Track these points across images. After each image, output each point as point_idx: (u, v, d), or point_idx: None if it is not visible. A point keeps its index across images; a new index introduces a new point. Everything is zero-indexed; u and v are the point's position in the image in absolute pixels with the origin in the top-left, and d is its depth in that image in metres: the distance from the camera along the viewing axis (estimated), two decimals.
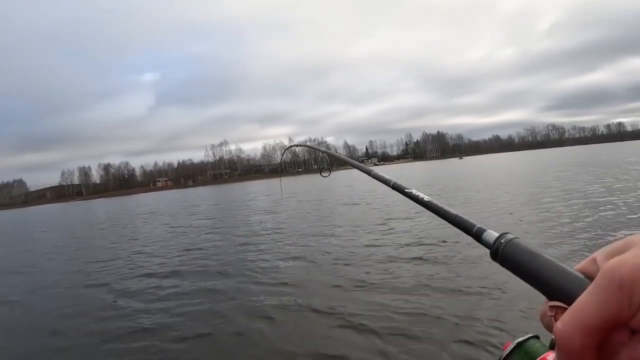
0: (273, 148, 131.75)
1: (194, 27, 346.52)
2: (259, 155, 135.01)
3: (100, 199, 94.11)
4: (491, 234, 0.39)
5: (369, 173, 0.84)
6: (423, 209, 0.53)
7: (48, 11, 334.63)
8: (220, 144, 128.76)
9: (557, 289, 0.28)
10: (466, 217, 0.47)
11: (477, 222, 0.44)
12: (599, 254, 0.26)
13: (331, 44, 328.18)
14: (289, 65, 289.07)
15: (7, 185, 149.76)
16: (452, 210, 0.50)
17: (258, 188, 41.11)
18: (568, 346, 0.22)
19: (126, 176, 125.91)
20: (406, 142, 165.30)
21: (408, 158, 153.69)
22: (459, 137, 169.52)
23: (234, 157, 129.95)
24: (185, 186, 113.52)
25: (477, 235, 0.42)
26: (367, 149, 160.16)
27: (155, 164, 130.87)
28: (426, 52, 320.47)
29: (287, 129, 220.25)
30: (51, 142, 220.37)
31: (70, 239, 13.43)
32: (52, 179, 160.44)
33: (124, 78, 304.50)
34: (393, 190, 0.68)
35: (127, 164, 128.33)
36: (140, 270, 6.61)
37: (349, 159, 0.98)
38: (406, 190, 0.64)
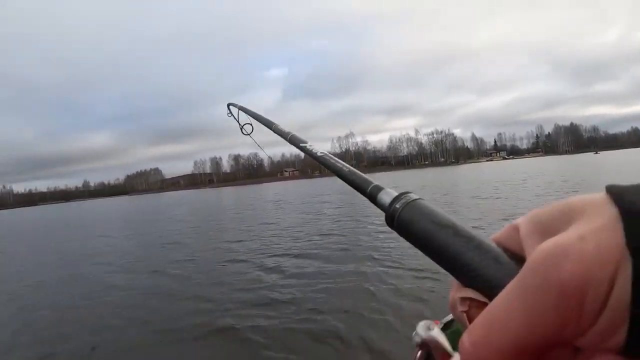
0: (399, 140, 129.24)
1: (320, 22, 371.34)
2: (385, 147, 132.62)
3: (229, 187, 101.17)
4: (388, 194, 0.33)
5: (269, 126, 0.85)
6: None
7: (183, 15, 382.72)
8: (347, 136, 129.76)
9: (469, 270, 0.21)
10: (361, 174, 0.41)
11: (372, 180, 0.37)
12: (523, 222, 0.20)
13: (455, 32, 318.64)
14: (413, 56, 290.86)
15: (145, 173, 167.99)
16: (346, 167, 0.45)
17: (385, 180, 40.98)
18: None
19: (255, 166, 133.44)
20: (537, 135, 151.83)
21: (539, 152, 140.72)
22: (594, 129, 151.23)
23: (360, 149, 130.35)
24: (312, 176, 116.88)
25: (371, 195, 0.35)
26: (495, 141, 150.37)
27: (283, 154, 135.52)
28: (555, 36, 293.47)
29: (413, 120, 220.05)
30: (185, 134, 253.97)
31: (210, 221, 14.40)
32: (186, 168, 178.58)
33: (253, 74, 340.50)
34: None
35: (255, 154, 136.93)
36: (276, 250, 7.14)
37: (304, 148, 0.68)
38: (301, 144, 0.62)
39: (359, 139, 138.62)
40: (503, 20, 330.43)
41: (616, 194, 0.16)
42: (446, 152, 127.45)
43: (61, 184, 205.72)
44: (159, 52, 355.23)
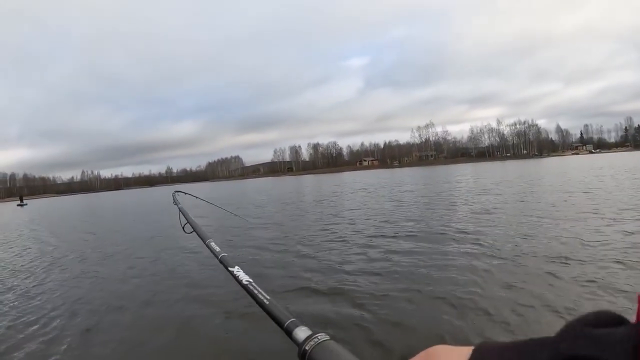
0: (480, 130, 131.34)
1: (401, 10, 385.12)
2: (465, 137, 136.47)
3: (309, 175, 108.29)
4: (302, 332, 0.37)
5: (203, 240, 0.95)
6: None
7: (264, 9, 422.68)
8: (426, 126, 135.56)
9: None
10: (280, 308, 0.43)
11: (291, 315, 0.41)
12: None
13: (539, 18, 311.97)
14: (496, 43, 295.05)
15: (226, 161, 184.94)
16: (268, 298, 0.46)
17: (465, 170, 42.53)
18: None
19: (334, 155, 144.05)
20: (625, 128, 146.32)
21: (627, 146, 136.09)
22: None
23: (440, 139, 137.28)
24: (391, 166, 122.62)
25: (287, 331, 0.40)
26: (581, 133, 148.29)
27: (362, 144, 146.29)
28: None
29: (496, 110, 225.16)
30: (266, 124, 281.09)
31: (314, 204, 16.30)
32: (266, 156, 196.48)
33: (335, 64, 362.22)
34: None
35: (335, 143, 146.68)
36: (369, 232, 8.00)
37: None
38: (229, 268, 0.65)
39: (439, 129, 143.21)
40: (591, 4, 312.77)
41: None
42: (529, 144, 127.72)
43: (145, 170, 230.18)
44: (242, 45, 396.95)
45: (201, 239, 0.93)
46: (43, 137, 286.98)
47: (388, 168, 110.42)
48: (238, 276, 0.60)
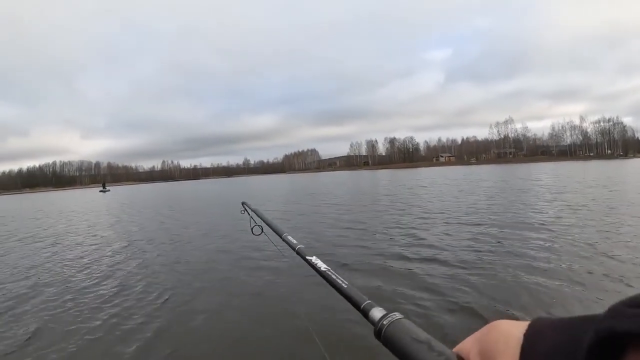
0: (562, 128, 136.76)
1: (483, 0, 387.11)
2: (546, 134, 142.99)
3: (385, 169, 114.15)
4: (377, 312, 0.44)
5: (280, 235, 1.10)
6: None
7: (346, 3, 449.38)
8: (505, 122, 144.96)
9: None
10: (357, 292, 0.52)
11: (367, 297, 0.48)
12: (473, 346, 0.36)
13: (630, 6, 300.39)
14: (584, 34, 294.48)
15: (302, 153, 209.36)
16: (346, 282, 0.56)
17: (545, 169, 44.15)
18: None
19: (410, 150, 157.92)
20: None
21: None
22: None
23: (520, 136, 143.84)
24: (468, 163, 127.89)
25: (364, 312, 0.47)
26: None
27: (439, 139, 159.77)
28: None
29: (579, 106, 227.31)
30: (344, 117, 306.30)
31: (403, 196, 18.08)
32: (342, 150, 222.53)
33: (417, 56, 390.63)
34: None
35: (411, 138, 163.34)
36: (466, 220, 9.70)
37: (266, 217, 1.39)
38: (307, 257, 0.76)
39: (518, 126, 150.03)
40: None
41: (525, 347, 0.31)
42: (613, 143, 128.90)
43: (223, 160, 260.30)
44: (323, 37, 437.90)
45: (277, 234, 1.06)
46: (128, 128, 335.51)
47: (465, 165, 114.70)
48: (316, 264, 0.69)
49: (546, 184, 20.97)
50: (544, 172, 36.22)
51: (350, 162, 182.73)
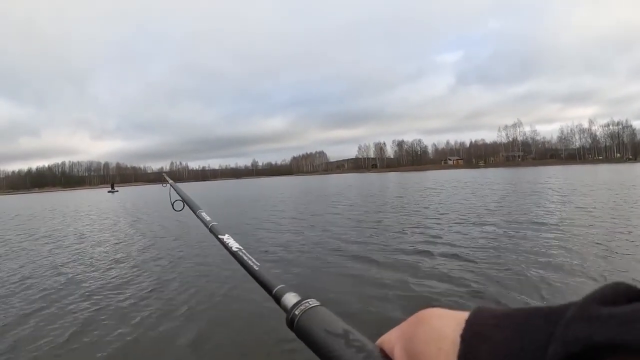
0: (571, 131, 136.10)
1: (496, 1, 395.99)
2: (555, 138, 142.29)
3: (393, 172, 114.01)
4: (290, 298, 0.39)
5: (194, 211, 1.04)
6: None
7: (357, 3, 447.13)
8: (514, 125, 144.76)
9: None
10: (270, 275, 0.47)
11: (280, 282, 0.44)
12: (397, 342, 0.30)
13: None
14: (598, 36, 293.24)
15: (310, 156, 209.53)
16: (258, 264, 0.50)
17: (553, 172, 44.32)
18: None
19: (418, 153, 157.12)
20: None
21: None
22: None
23: (528, 139, 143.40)
24: (476, 166, 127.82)
25: (277, 297, 0.43)
26: None
27: (447, 142, 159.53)
28: None
29: (590, 110, 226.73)
30: (354, 120, 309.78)
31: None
32: (350, 152, 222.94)
33: (428, 59, 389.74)
34: None
35: (419, 141, 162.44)
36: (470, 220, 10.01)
37: (183, 192, 1.34)
38: (219, 235, 0.71)
39: (527, 129, 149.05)
40: None
41: (468, 345, 0.24)
42: (622, 147, 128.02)
43: (232, 162, 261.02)
44: (335, 40, 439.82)
45: (192, 210, 1.03)
46: (138, 130, 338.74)
47: (473, 168, 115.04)
48: (228, 244, 0.64)
49: (560, 187, 20.83)
50: (555, 175, 36.53)
51: (358, 165, 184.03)
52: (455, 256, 6.21)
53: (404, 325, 0.30)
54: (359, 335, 0.31)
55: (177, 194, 1.39)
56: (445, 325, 0.26)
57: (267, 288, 0.46)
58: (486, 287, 4.62)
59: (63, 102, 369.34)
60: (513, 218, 9.97)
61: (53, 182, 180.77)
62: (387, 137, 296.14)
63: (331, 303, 3.96)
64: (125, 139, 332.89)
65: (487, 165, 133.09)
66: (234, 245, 0.64)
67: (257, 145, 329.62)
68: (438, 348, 0.25)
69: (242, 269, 0.58)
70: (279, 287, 0.43)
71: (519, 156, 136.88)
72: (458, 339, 0.24)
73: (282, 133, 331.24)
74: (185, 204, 1.31)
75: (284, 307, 0.40)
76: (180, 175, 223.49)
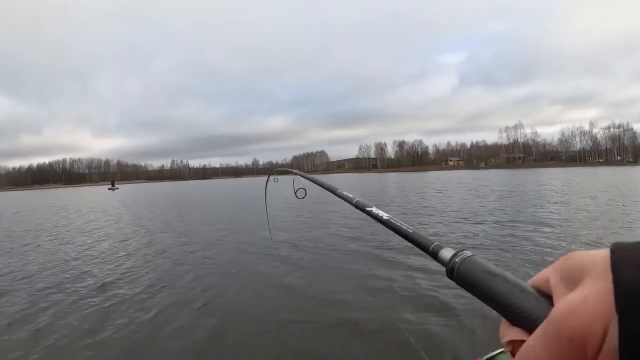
0: (572, 133, 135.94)
1: (499, 3, 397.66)
2: (555, 140, 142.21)
3: (393, 172, 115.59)
4: (447, 252, 0.44)
5: (334, 192, 0.99)
6: None
7: (359, 4, 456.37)
8: (515, 127, 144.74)
9: (515, 311, 0.32)
10: (424, 235, 0.52)
11: (434, 240, 0.49)
12: (552, 275, 0.32)
13: None
14: (599, 38, 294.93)
15: (311, 155, 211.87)
16: (411, 228, 0.56)
17: (555, 175, 44.23)
18: None
19: (419, 153, 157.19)
20: None
21: None
22: None
23: (529, 141, 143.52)
24: (477, 167, 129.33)
25: (433, 253, 0.48)
26: None
27: (448, 143, 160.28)
28: None
29: (590, 112, 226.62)
30: (356, 120, 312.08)
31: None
32: (350, 152, 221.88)
33: (431, 60, 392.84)
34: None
35: (420, 142, 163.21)
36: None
37: (316, 178, 1.21)
38: (367, 208, 0.74)
39: (528, 131, 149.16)
40: None
41: (615, 260, 0.26)
42: (623, 150, 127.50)
43: (232, 161, 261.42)
44: (338, 40, 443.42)
45: (330, 191, 1.03)
46: (139, 127, 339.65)
47: (473, 169, 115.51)
48: (377, 214, 0.68)
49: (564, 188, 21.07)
50: (558, 177, 36.57)
51: (359, 165, 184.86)
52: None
53: (555, 264, 0.32)
54: (513, 276, 0.34)
55: (304, 180, 1.40)
56: (593, 252, 0.28)
57: (423, 247, 0.50)
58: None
59: (65, 98, 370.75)
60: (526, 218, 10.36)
61: (54, 179, 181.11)
62: (388, 137, 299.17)
63: None
64: (127, 136, 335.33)
65: (487, 166, 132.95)
66: (384, 215, 0.66)
67: (258, 144, 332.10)
68: (592, 262, 0.27)
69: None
70: (434, 244, 0.47)
71: (519, 158, 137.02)
72: (608, 254, 0.26)
73: (283, 132, 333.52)
74: (306, 192, 1.36)
75: (441, 261, 0.44)
76: (181, 173, 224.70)
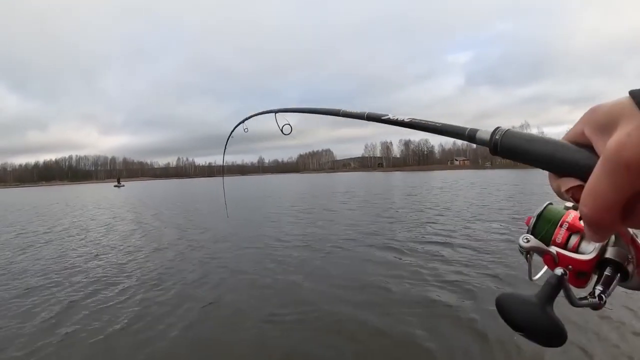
0: None
1: (507, 3, 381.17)
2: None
3: (399, 172, 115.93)
4: (484, 133, 0.46)
5: (337, 114, 0.91)
6: None
7: (367, 3, 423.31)
8: (522, 126, 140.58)
9: (564, 164, 0.36)
10: (454, 125, 0.53)
11: (463, 127, 0.51)
12: (586, 127, 0.36)
13: None
14: (608, 40, 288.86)
15: (317, 154, 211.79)
16: (438, 122, 0.56)
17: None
18: (600, 224, 0.32)
19: (425, 152, 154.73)
20: None
21: None
22: None
23: None
24: (483, 167, 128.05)
25: (470, 136, 0.49)
26: None
27: (454, 142, 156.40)
28: None
29: None
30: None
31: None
32: (356, 151, 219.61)
33: (438, 59, 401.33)
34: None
35: (426, 141, 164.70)
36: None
37: (307, 107, 1.03)
38: (383, 117, 0.68)
39: (534, 131, 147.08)
40: None
41: (639, 103, 0.30)
42: None
43: (238, 159, 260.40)
44: (347, 39, 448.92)
45: (332, 114, 0.92)
46: (145, 125, 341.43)
47: (479, 169, 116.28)
48: (397, 119, 0.64)
49: None
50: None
51: (364, 164, 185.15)
52: None
53: (582, 118, 0.36)
54: (548, 137, 0.38)
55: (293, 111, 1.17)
56: (613, 101, 0.32)
57: (458, 134, 0.51)
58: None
59: (72, 96, 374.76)
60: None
61: (60, 176, 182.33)
62: (394, 136, 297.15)
63: None
64: (133, 133, 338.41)
65: (493, 166, 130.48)
66: (404, 117, 0.62)
67: (264, 142, 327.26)
68: (621, 107, 0.31)
69: None
70: (469, 129, 0.49)
71: None
72: (629, 97, 0.31)
73: (288, 131, 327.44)
74: (291, 127, 1.23)
75: (480, 141, 0.46)
76: (187, 171, 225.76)
